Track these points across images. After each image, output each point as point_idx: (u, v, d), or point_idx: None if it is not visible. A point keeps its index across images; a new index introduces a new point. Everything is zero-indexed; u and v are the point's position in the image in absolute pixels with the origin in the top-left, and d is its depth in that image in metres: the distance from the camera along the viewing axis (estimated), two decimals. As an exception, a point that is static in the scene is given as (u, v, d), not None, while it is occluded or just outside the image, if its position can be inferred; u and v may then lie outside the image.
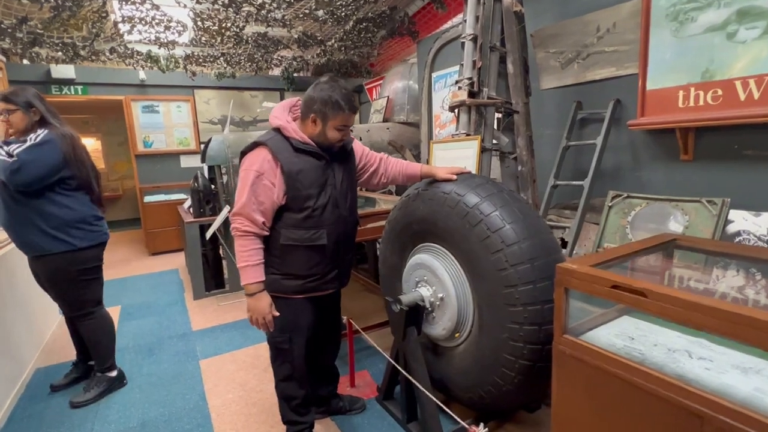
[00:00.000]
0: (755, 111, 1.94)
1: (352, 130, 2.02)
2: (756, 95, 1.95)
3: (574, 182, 2.61)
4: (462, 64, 2.62)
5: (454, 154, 2.60)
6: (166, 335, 3.04)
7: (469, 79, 2.55)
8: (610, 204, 2.49)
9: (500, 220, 1.42)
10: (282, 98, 6.39)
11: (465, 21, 2.60)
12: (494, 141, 2.78)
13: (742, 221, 1.98)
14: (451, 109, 2.71)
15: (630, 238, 2.34)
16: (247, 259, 1.51)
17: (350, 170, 1.73)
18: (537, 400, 1.80)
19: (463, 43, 2.61)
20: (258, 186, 1.50)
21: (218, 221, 3.46)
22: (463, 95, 2.55)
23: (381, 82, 5.55)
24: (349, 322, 1.99)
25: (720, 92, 2.07)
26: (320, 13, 3.80)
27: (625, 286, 0.92)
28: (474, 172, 2.43)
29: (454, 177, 1.68)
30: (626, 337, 1.07)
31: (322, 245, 1.58)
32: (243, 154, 1.57)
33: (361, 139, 4.41)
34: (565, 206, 2.87)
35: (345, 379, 2.15)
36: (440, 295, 1.63)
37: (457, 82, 2.64)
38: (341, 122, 1.55)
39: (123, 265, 5.20)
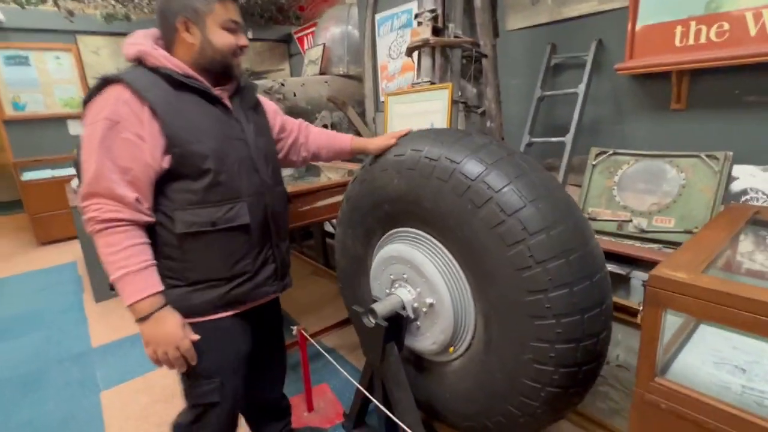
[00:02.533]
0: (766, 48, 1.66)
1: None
2: (769, 29, 1.66)
3: (553, 139, 2.26)
4: (420, -6, 2.09)
5: (418, 109, 2.11)
6: (54, 358, 2.33)
7: (432, 11, 2.04)
8: (593, 163, 2.18)
9: (519, 197, 0.99)
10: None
11: (423, -64, 2.04)
12: (458, 92, 2.32)
13: (749, 177, 1.74)
14: (410, 52, 2.19)
15: (618, 201, 2.06)
16: (124, 263, 0.95)
17: (264, 126, 1.25)
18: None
19: (421, -33, 2.07)
20: (114, 143, 0.95)
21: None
22: (425, 32, 2.03)
23: (314, 29, 4.80)
24: (301, 335, 1.51)
25: (726, 26, 1.76)
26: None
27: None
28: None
29: (393, 141, 1.26)
30: (732, 367, 0.73)
31: (243, 226, 1.09)
32: (85, 103, 0.97)
33: (295, 95, 3.74)
34: (544, 165, 2.54)
35: (299, 401, 1.70)
36: (428, 301, 1.20)
37: (416, 16, 2.11)
38: (226, 15, 1.06)
39: (1, 261, 4.17)
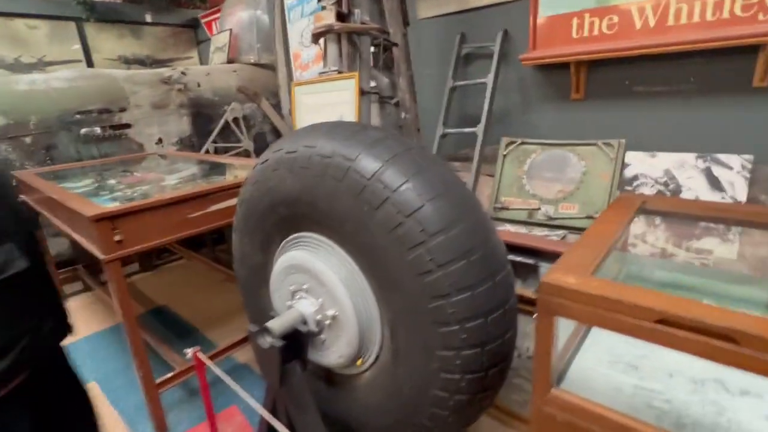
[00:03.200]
0: (651, 41, 1.76)
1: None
2: (652, 22, 1.76)
3: (465, 129, 2.25)
4: (323, -24, 1.95)
5: (327, 100, 1.98)
6: None
7: (336, -5, 1.91)
8: (504, 153, 2.21)
9: (417, 195, 0.91)
10: (80, 32, 4.71)
11: None
12: (372, 83, 2.23)
13: (639, 164, 1.85)
14: (315, 38, 2.04)
15: (528, 190, 2.11)
16: None
17: None
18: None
19: (322, -54, 1.92)
20: None
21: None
22: (329, 17, 1.90)
23: (219, 14, 4.42)
24: (197, 359, 1.32)
25: (616, 19, 1.84)
26: None
27: (691, 322, 0.50)
28: (354, 118, 1.87)
29: None
30: (624, 365, 0.72)
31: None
32: None
33: (199, 85, 3.41)
34: (453, 157, 2.54)
35: (204, 429, 1.52)
36: (331, 312, 1.09)
37: (319, 0, 1.96)
38: None
39: None
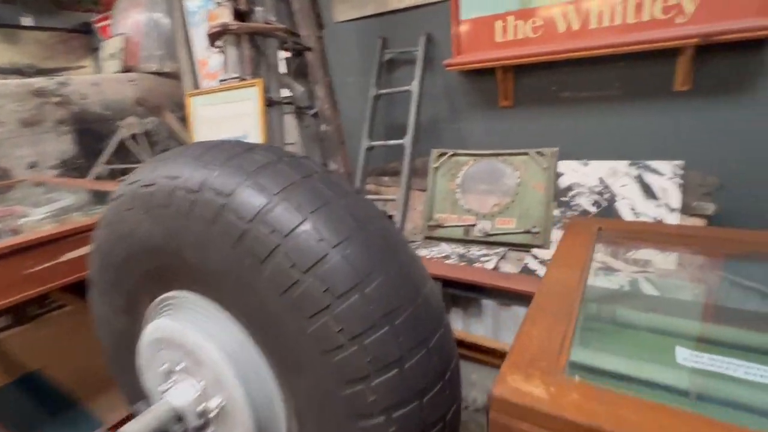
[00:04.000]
0: (574, 44, 1.69)
1: None
2: (575, 26, 1.68)
3: (391, 142, 2.05)
4: (216, -33, 1.65)
5: (226, 111, 1.67)
6: None
7: (231, -11, 1.62)
8: (435, 165, 2.04)
9: (317, 241, 0.66)
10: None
11: None
12: (286, 92, 1.97)
13: (572, 173, 1.76)
14: (212, 40, 1.73)
15: (462, 205, 1.95)
16: None
17: None
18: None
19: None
20: None
21: None
22: (224, 15, 1.61)
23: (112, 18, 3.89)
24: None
25: (540, 22, 1.75)
26: None
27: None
28: (258, 137, 1.58)
29: None
30: None
31: None
32: None
33: (86, 98, 2.89)
34: (382, 171, 2.33)
35: None
36: (217, 401, 0.80)
37: (212, -6, 1.66)
38: None
39: None
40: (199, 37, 3.01)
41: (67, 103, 2.78)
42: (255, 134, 1.61)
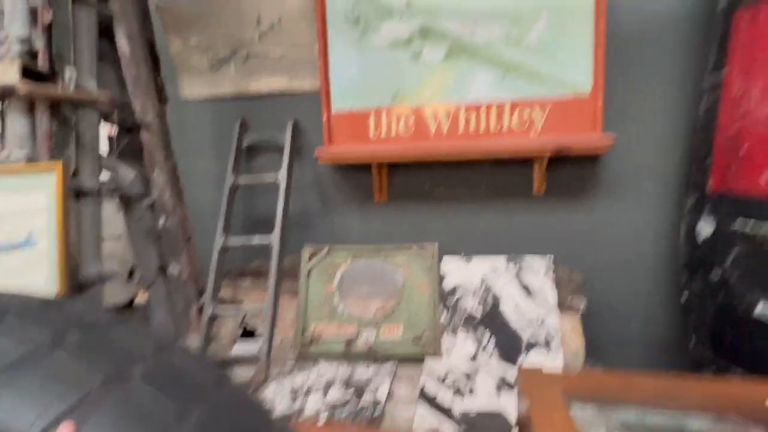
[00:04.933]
0: (444, 146, 1.71)
1: None
2: (445, 128, 1.71)
3: (255, 239, 1.71)
4: (2, 11, 1.20)
5: (5, 206, 1.13)
6: None
7: (24, 41, 1.17)
8: (308, 266, 1.75)
9: None
10: None
11: None
12: (106, 174, 1.50)
13: (456, 271, 1.69)
14: (-14, 104, 1.21)
15: (341, 312, 1.68)
16: None
17: None
18: None
19: (1, -33, 1.20)
20: None
21: None
22: (9, 73, 1.14)
23: None
24: None
25: (412, 121, 1.74)
26: None
27: None
28: (53, 241, 1.08)
29: None
30: None
31: None
32: None
33: None
34: (241, 272, 1.93)
35: None
36: None
37: (-9, 43, 1.18)
38: None
39: None
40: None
41: None
42: (48, 237, 1.09)
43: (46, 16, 1.19)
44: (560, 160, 1.68)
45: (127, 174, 1.57)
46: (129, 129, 1.59)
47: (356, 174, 1.90)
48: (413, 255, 1.71)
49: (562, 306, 1.57)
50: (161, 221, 1.68)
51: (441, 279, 1.67)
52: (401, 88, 1.72)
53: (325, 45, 1.75)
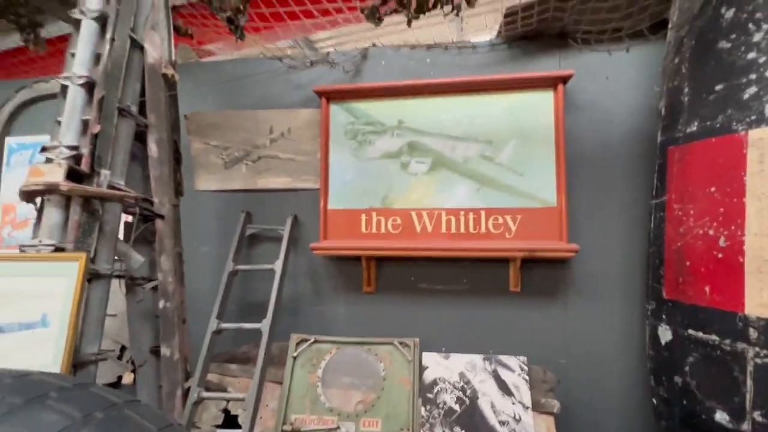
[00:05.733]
0: (428, 244, 1.88)
1: None
2: (429, 228, 1.91)
3: (246, 325, 1.80)
4: (59, 122, 1.45)
5: (25, 287, 1.26)
6: None
7: (73, 148, 1.40)
8: (294, 354, 1.82)
9: None
10: None
11: (73, 55, 1.50)
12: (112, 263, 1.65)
13: (435, 366, 1.75)
14: (28, 198, 1.41)
15: (323, 402, 1.71)
16: None
17: None
18: None
19: (65, 89, 1.48)
20: None
21: None
22: (55, 174, 1.35)
23: None
24: None
25: (399, 221, 1.93)
26: None
27: None
28: (64, 323, 1.20)
29: None
30: None
31: None
32: None
33: None
34: (230, 358, 1.98)
35: None
36: None
37: (44, 149, 1.41)
38: None
39: None
40: (11, 178, 2.51)
41: None
42: (61, 320, 1.21)
43: (95, 128, 1.44)
44: (533, 262, 1.84)
45: (138, 259, 1.72)
46: (146, 218, 1.78)
47: (347, 266, 2.05)
48: (396, 349, 1.80)
49: (537, 406, 1.61)
50: (161, 303, 1.79)
51: (422, 372, 1.73)
52: (390, 193, 1.94)
53: (326, 153, 2.02)
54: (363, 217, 1.96)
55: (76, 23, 1.55)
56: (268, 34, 2.46)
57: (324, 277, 2.07)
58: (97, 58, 1.54)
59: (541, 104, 1.82)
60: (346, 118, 2.02)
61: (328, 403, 1.70)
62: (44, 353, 1.15)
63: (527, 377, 1.65)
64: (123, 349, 2.23)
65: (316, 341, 1.85)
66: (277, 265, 1.92)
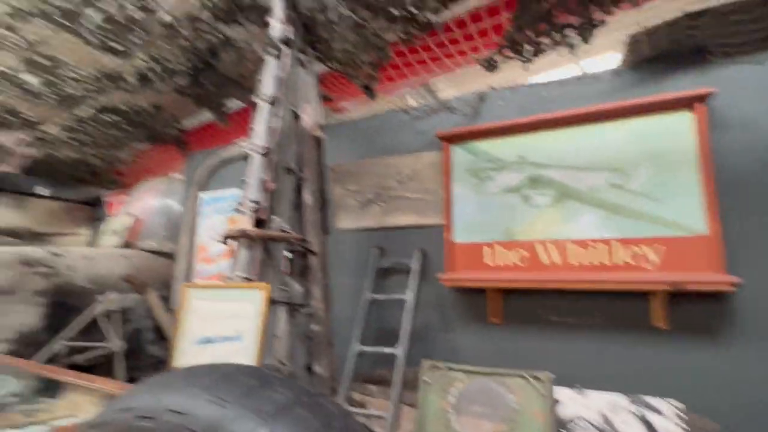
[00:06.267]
0: (557, 276, 1.87)
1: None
2: (557, 259, 1.90)
3: (385, 349, 2.00)
4: (245, 182, 1.90)
5: (224, 309, 1.66)
6: None
7: (256, 203, 1.83)
8: (427, 379, 1.95)
9: None
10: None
11: (253, 130, 1.98)
12: (282, 288, 2.01)
13: (571, 403, 1.70)
14: (227, 240, 1.85)
15: (455, 429, 1.79)
16: None
17: None
18: None
19: (248, 156, 1.94)
20: None
21: None
22: (245, 223, 1.76)
23: (128, 198, 4.23)
24: None
25: (525, 253, 1.97)
26: (31, 79, 2.56)
27: None
28: (254, 340, 1.53)
29: None
30: None
31: None
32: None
33: (74, 270, 2.87)
34: (368, 379, 2.20)
35: None
36: None
37: (238, 205, 1.86)
38: None
39: None
40: (204, 224, 3.22)
41: (52, 275, 2.73)
42: (251, 337, 1.56)
43: (271, 186, 1.85)
44: (680, 295, 1.69)
45: (297, 289, 2.08)
46: (301, 254, 2.15)
47: (473, 297, 2.13)
48: (527, 382, 1.79)
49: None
50: (313, 327, 2.11)
51: (555, 407, 1.69)
52: (513, 225, 2.00)
53: (449, 191, 2.18)
54: (485, 249, 2.05)
55: (255, 105, 2.03)
56: (392, 86, 2.80)
57: (451, 307, 2.18)
58: (270, 130, 1.99)
59: (677, 126, 1.72)
60: (467, 158, 2.16)
61: (461, 429, 1.77)
62: (240, 361, 1.50)
63: (687, 427, 1.49)
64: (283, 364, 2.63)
65: (448, 369, 1.96)
66: (408, 295, 2.11)
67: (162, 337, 3.23)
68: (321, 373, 2.07)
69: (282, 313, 2.10)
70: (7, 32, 2.18)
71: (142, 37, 2.29)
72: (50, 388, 1.80)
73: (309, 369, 2.17)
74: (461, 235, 2.12)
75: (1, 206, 4.55)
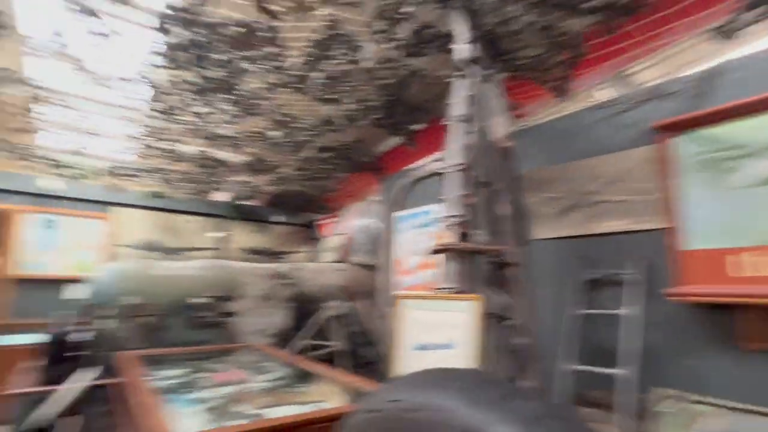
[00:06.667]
0: None
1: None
2: None
3: (606, 370, 1.83)
4: (444, 199, 2.04)
5: (438, 318, 1.80)
6: None
7: (460, 217, 1.94)
8: (664, 410, 1.69)
9: None
10: (227, 228, 5.63)
11: (449, 149, 2.11)
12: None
13: None
14: (434, 253, 2.02)
15: (709, 473, 1.49)
16: None
17: None
18: None
19: (444, 175, 2.08)
20: None
21: (67, 395, 2.22)
22: (450, 237, 1.89)
23: (337, 219, 5.02)
24: None
25: (792, 261, 1.53)
26: (276, 134, 3.34)
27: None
28: (472, 348, 1.61)
29: None
30: None
31: None
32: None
33: (306, 282, 3.57)
34: (584, 400, 2.04)
35: None
36: None
37: (443, 219, 2.01)
38: None
39: None
40: (401, 240, 3.56)
41: (294, 285, 3.45)
42: (464, 346, 1.65)
43: (471, 200, 1.94)
44: None
45: (495, 300, 2.10)
46: (501, 266, 2.17)
47: (712, 315, 1.76)
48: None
49: None
50: (515, 340, 2.08)
51: None
52: (766, 227, 1.58)
53: (674, 189, 1.88)
54: (728, 258, 1.67)
55: (439, 123, 2.17)
56: (581, 82, 2.58)
57: (685, 327, 1.85)
58: (464, 146, 2.09)
59: None
60: (697, 148, 1.83)
61: (718, 477, 1.47)
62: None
63: None
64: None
65: (689, 401, 1.66)
66: (624, 311, 1.88)
67: (369, 341, 3.68)
68: (530, 389, 2.02)
69: (485, 324, 2.15)
70: (262, 101, 2.90)
71: (350, 84, 2.73)
72: (301, 376, 2.26)
73: (513, 382, 2.14)
74: (694, 240, 1.79)
75: (252, 232, 5.97)
